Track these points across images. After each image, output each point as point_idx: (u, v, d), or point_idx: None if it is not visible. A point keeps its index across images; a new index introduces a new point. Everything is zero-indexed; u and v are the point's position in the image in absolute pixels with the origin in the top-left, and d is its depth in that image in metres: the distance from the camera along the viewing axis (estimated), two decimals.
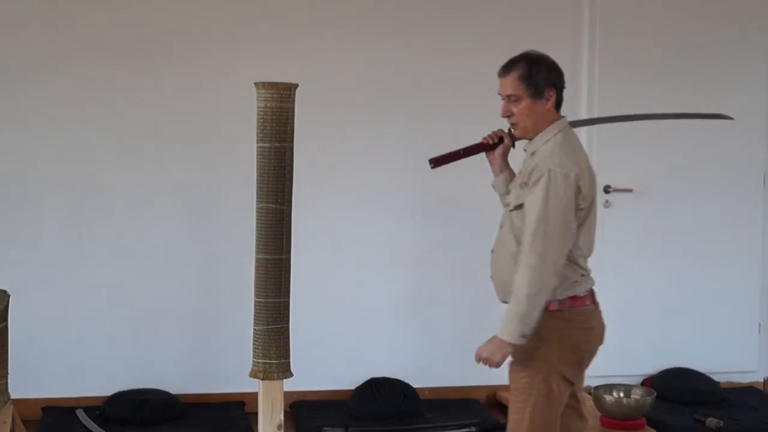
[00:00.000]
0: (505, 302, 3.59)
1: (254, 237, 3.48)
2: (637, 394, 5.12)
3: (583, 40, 5.77)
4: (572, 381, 3.57)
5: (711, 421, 5.17)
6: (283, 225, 3.44)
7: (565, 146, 3.50)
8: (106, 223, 5.34)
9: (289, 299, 3.50)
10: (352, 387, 5.49)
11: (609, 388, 5.11)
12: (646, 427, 5.01)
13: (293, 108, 3.43)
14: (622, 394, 5.10)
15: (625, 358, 5.70)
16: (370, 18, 5.59)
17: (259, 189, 3.44)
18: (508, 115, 3.60)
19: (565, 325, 3.50)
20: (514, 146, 3.81)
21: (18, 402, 4.39)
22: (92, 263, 5.34)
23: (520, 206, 3.49)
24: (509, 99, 3.57)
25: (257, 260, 3.46)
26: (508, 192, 3.72)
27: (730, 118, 4.23)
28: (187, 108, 5.39)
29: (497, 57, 5.59)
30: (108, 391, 5.23)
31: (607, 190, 5.79)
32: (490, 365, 3.51)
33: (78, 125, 5.30)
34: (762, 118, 6.05)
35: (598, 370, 5.81)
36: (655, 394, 5.11)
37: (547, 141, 3.52)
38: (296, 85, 3.44)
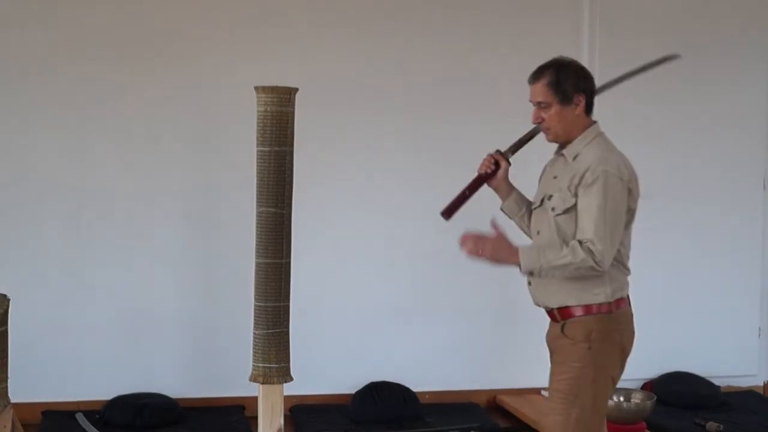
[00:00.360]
0: (545, 307, 3.64)
1: (254, 241, 3.48)
2: (637, 398, 5.13)
3: (583, 40, 5.78)
4: (617, 382, 3.60)
5: (711, 425, 5.16)
6: (283, 229, 3.44)
7: (612, 149, 3.55)
8: (106, 225, 5.34)
9: (289, 303, 3.50)
10: (352, 391, 5.48)
11: None
12: (647, 431, 5.01)
13: (293, 112, 3.43)
14: (622, 398, 5.11)
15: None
16: (370, 19, 5.60)
17: (259, 193, 3.44)
18: (539, 121, 3.61)
19: (615, 327, 3.52)
20: (510, 163, 3.81)
21: (18, 406, 4.37)
22: (92, 266, 5.33)
23: (568, 210, 3.50)
24: (539, 106, 3.58)
25: (257, 264, 3.46)
26: (522, 208, 3.79)
27: (678, 56, 4.23)
28: (188, 110, 5.39)
29: (497, 57, 5.69)
30: (108, 395, 5.23)
31: None
32: (479, 253, 3.55)
33: (78, 127, 5.30)
34: (762, 120, 6.06)
35: None
36: (656, 398, 5.11)
37: (588, 144, 3.55)
38: (296, 90, 3.44)
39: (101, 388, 5.26)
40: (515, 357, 5.81)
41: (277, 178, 3.41)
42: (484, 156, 3.86)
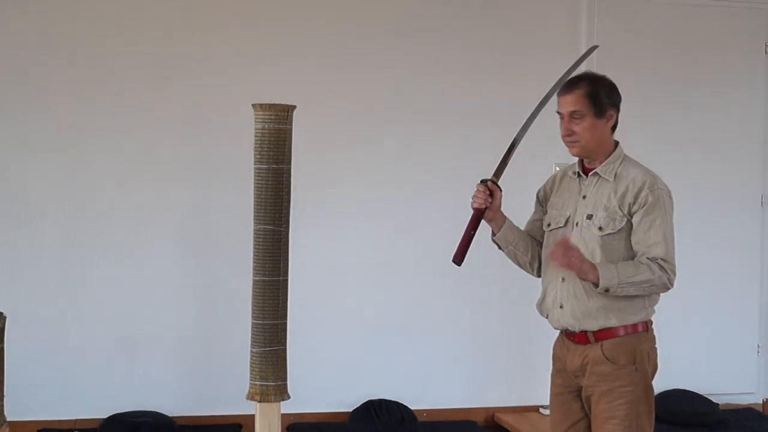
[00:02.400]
0: (580, 330, 3.53)
1: (252, 258, 3.47)
2: None
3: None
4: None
5: None
6: (280, 246, 3.43)
7: (648, 170, 3.56)
8: (103, 244, 5.33)
9: (286, 321, 3.49)
10: (350, 409, 5.47)
11: None
12: None
13: (291, 129, 3.43)
14: None
15: None
16: (368, 36, 5.61)
17: (257, 210, 3.43)
18: (569, 134, 3.54)
19: (651, 345, 3.55)
20: (501, 190, 3.72)
21: (14, 424, 4.35)
22: (89, 284, 5.32)
23: (621, 230, 3.48)
24: (572, 116, 3.52)
25: (255, 282, 3.45)
26: (515, 234, 3.74)
27: (595, 46, 4.25)
28: (185, 127, 5.40)
29: (495, 75, 5.71)
30: (104, 413, 5.21)
31: None
32: (568, 263, 3.42)
33: (75, 146, 5.30)
34: (759, 138, 6.07)
35: None
36: (654, 416, 5.08)
37: (623, 163, 3.55)
38: (294, 107, 3.44)
39: (98, 406, 5.24)
40: (513, 375, 5.80)
41: (274, 195, 3.40)
42: (478, 180, 3.79)
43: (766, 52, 6.08)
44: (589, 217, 3.52)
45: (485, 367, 5.78)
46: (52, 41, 5.27)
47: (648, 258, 3.42)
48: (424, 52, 5.66)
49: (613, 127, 3.58)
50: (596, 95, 3.51)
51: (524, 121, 3.85)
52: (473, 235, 3.73)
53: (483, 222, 3.73)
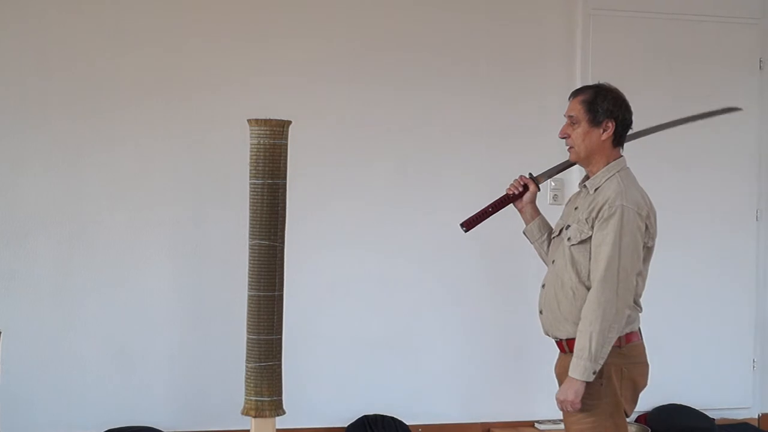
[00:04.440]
0: (554, 338, 3.63)
1: (247, 273, 3.47)
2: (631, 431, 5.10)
3: (575, 76, 5.81)
4: (629, 415, 3.57)
5: None
6: (276, 261, 3.44)
7: (633, 184, 3.55)
8: (97, 259, 5.32)
9: (281, 336, 3.49)
10: (345, 424, 5.46)
11: None
12: None
13: (286, 145, 3.44)
14: None
15: None
16: (363, 51, 5.60)
17: (252, 225, 3.43)
18: (564, 136, 3.64)
19: (624, 361, 3.49)
20: (539, 189, 3.88)
21: None
22: (84, 299, 5.31)
23: (584, 241, 3.50)
24: (570, 120, 3.61)
25: (250, 297, 3.45)
26: (543, 234, 3.82)
27: (738, 109, 4.28)
28: (180, 143, 5.39)
29: (490, 93, 5.72)
30: (99, 428, 5.19)
31: None
32: (570, 407, 3.44)
33: (69, 161, 5.29)
34: (753, 152, 6.08)
35: None
36: (650, 431, 5.08)
37: (610, 178, 3.55)
38: (289, 122, 3.45)
39: (92, 421, 5.22)
40: (508, 389, 5.79)
41: (270, 210, 3.41)
42: (513, 204, 3.86)
43: (760, 67, 6.10)
44: (567, 227, 3.61)
45: (481, 382, 5.77)
46: (47, 56, 5.26)
47: (593, 291, 3.42)
48: (420, 66, 5.66)
49: (616, 141, 3.59)
50: (593, 103, 3.56)
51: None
52: (490, 213, 3.88)
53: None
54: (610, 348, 3.39)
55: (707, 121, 5.92)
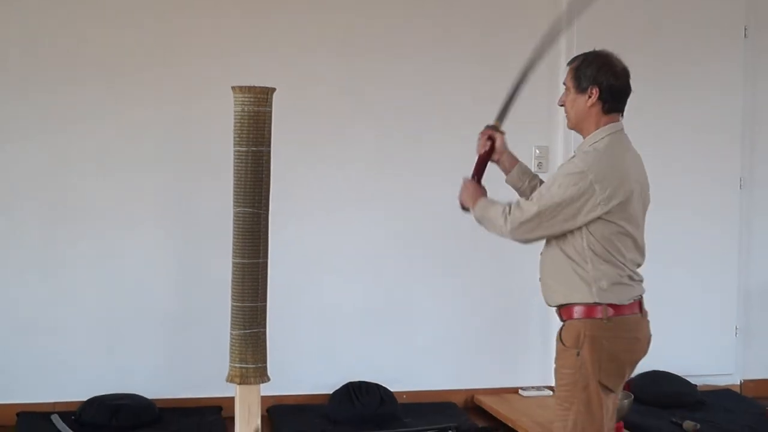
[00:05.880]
0: (549, 305, 3.64)
1: (231, 241, 3.46)
2: None
3: (560, 55, 5.80)
4: (612, 390, 3.53)
5: (688, 424, 5.18)
6: (260, 229, 3.43)
7: (604, 151, 3.50)
8: (83, 227, 5.31)
9: (266, 303, 3.49)
10: (330, 391, 5.47)
11: None
12: (624, 430, 5.02)
13: (270, 112, 3.42)
14: None
15: None
16: (348, 18, 5.59)
17: (236, 193, 3.42)
18: (561, 104, 3.66)
19: (606, 334, 3.47)
20: (503, 132, 3.85)
21: None
22: (69, 268, 5.30)
23: None
24: (565, 89, 3.63)
25: (234, 264, 3.45)
26: (525, 182, 3.82)
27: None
28: (164, 112, 5.38)
29: (474, 61, 5.70)
30: (83, 395, 5.20)
31: None
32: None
33: (55, 130, 5.27)
34: (737, 120, 6.09)
35: None
36: (633, 397, 5.12)
37: (593, 143, 3.54)
38: (273, 89, 3.43)
39: (77, 389, 5.23)
40: (493, 357, 5.83)
41: (254, 178, 3.40)
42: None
43: (745, 35, 6.09)
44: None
45: (465, 350, 5.79)
46: (32, 28, 5.22)
47: (513, 203, 3.53)
48: (404, 35, 5.65)
49: (607, 107, 3.55)
50: (578, 70, 3.56)
51: (524, 67, 3.88)
52: (478, 181, 3.84)
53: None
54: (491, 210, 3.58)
55: (691, 88, 5.96)
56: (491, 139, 3.83)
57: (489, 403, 5.63)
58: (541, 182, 3.80)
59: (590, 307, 3.46)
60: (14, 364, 5.22)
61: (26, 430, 4.99)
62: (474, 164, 3.86)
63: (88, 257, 5.32)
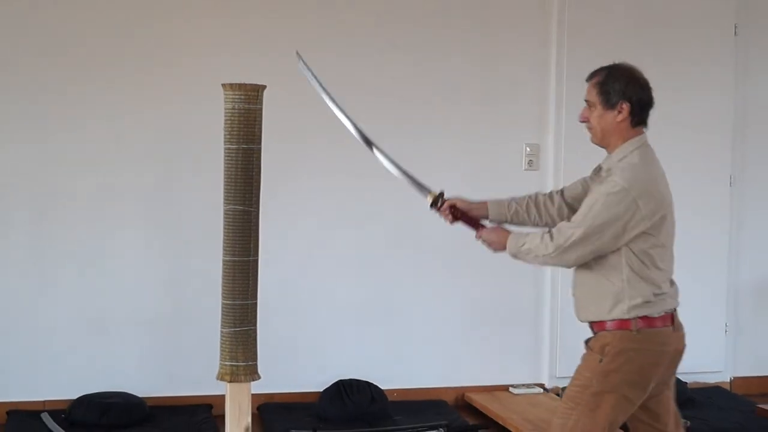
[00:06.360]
0: (585, 322, 3.61)
1: (222, 239, 3.46)
2: None
3: (551, 53, 5.82)
4: (635, 402, 3.51)
5: None
6: (250, 227, 3.42)
7: (639, 165, 3.50)
8: (71, 224, 5.30)
9: (256, 301, 3.48)
10: (321, 389, 5.47)
11: None
12: None
13: (261, 109, 3.41)
14: None
15: None
16: (337, 15, 5.60)
17: (227, 191, 3.41)
18: (584, 120, 3.61)
19: (635, 346, 3.46)
20: (443, 198, 3.85)
21: None
22: (58, 265, 5.29)
23: None
24: (587, 104, 3.58)
25: (225, 262, 3.44)
26: (510, 210, 3.79)
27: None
28: (154, 109, 5.37)
29: (467, 63, 5.71)
30: (74, 394, 5.19)
31: None
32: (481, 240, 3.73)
33: (41, 125, 5.26)
34: (728, 117, 6.10)
35: (566, 371, 5.84)
36: None
37: (623, 158, 3.51)
38: (264, 87, 3.42)
39: (67, 387, 5.22)
40: (484, 355, 5.83)
41: (244, 175, 3.39)
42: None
43: (735, 33, 6.10)
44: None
45: (456, 347, 5.80)
46: (18, 24, 5.21)
47: (553, 230, 3.49)
48: (394, 33, 5.66)
49: (635, 121, 3.54)
50: (605, 85, 3.52)
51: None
52: (482, 226, 3.82)
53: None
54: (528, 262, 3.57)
55: (681, 87, 5.96)
56: (450, 207, 3.81)
57: (480, 401, 5.64)
58: (517, 202, 3.80)
59: (622, 320, 3.47)
60: (4, 363, 5.21)
61: (16, 429, 4.98)
62: (467, 225, 3.85)
63: (78, 255, 5.31)
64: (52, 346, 5.29)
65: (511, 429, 5.21)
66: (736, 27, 6.10)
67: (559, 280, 5.76)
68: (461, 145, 5.73)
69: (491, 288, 5.79)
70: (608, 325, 3.48)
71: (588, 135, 3.65)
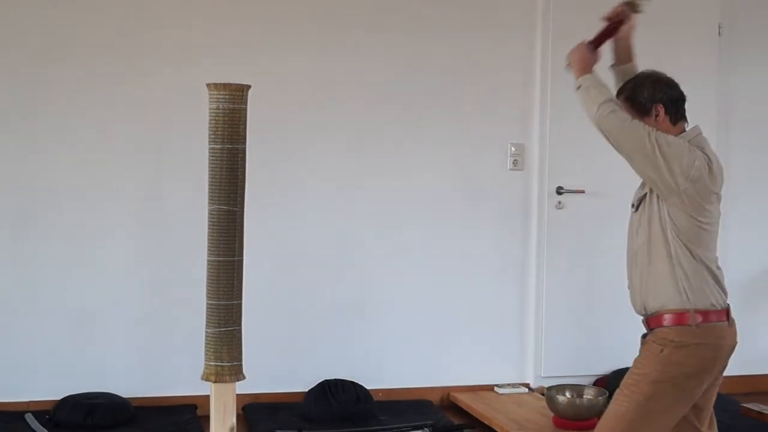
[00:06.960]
0: (642, 315, 3.68)
1: (206, 239, 3.45)
2: (589, 395, 5.16)
3: (535, 54, 5.83)
4: (691, 395, 3.57)
5: None
6: (235, 227, 3.41)
7: (684, 145, 3.58)
8: (55, 224, 5.29)
9: (241, 301, 3.47)
10: (306, 389, 5.47)
11: (562, 388, 5.15)
12: None
13: (246, 109, 3.40)
14: (574, 395, 5.13)
15: (577, 359, 5.74)
16: (322, 15, 5.60)
17: (211, 191, 3.40)
18: None
19: (694, 341, 3.52)
20: (640, 12, 3.90)
21: None
22: (42, 265, 5.28)
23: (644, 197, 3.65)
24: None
25: (209, 262, 3.43)
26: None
27: None
28: (138, 109, 5.36)
29: (445, 68, 5.71)
30: (58, 394, 5.17)
31: (559, 191, 5.83)
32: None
33: (26, 126, 5.24)
34: (712, 120, 6.10)
35: (551, 371, 5.88)
36: (608, 394, 5.12)
37: None
38: (249, 87, 3.42)
39: (51, 388, 5.21)
40: (469, 355, 5.83)
41: (229, 175, 3.38)
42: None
43: (719, 33, 6.13)
44: (643, 197, 3.76)
45: (441, 347, 5.80)
46: (5, 24, 5.19)
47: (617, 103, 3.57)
48: (379, 33, 5.66)
49: (674, 118, 3.65)
50: (635, 96, 3.63)
51: None
52: (595, 48, 3.86)
53: None
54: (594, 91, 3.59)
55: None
56: (622, 17, 3.85)
57: (465, 401, 5.64)
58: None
59: (680, 315, 3.52)
60: None
61: (0, 430, 4.96)
62: (599, 31, 3.90)
63: (61, 255, 5.30)
64: (37, 346, 5.27)
65: (496, 429, 5.21)
66: (720, 27, 6.12)
67: (544, 280, 5.77)
68: (446, 146, 5.74)
69: (476, 288, 5.80)
70: (666, 319, 3.55)
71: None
